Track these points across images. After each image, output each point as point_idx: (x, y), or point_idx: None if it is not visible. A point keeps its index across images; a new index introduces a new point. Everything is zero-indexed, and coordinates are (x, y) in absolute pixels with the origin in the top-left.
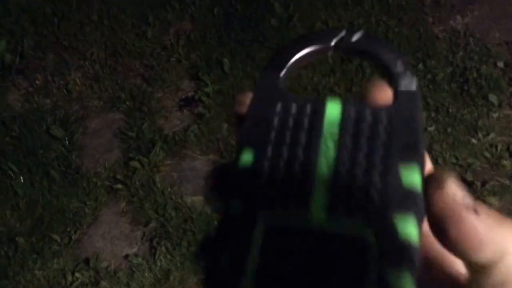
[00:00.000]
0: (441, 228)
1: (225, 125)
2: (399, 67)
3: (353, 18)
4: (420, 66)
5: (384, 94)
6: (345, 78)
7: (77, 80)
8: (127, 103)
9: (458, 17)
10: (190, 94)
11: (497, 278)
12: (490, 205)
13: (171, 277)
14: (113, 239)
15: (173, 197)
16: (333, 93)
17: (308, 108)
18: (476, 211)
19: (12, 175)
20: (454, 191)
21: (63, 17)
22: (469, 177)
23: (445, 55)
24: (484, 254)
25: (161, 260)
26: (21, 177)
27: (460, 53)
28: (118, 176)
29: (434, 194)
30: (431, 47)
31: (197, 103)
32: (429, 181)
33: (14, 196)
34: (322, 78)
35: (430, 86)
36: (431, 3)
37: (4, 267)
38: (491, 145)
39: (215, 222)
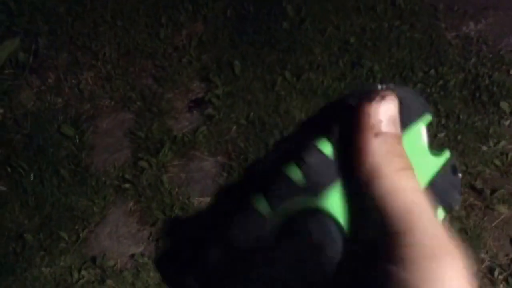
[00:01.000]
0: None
1: (234, 127)
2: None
3: (365, 23)
4: (432, 72)
5: None
6: (356, 83)
7: (89, 80)
8: (138, 103)
9: (471, 24)
10: (200, 96)
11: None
12: (499, 213)
13: None
14: (120, 238)
15: (180, 198)
16: None
17: None
18: (377, 135)
19: (22, 172)
20: (374, 111)
21: (77, 17)
22: (479, 184)
23: (457, 62)
24: (362, 171)
25: None
26: (31, 175)
27: (473, 60)
28: (127, 176)
29: (360, 105)
30: (443, 53)
31: (207, 105)
32: (368, 94)
33: (24, 193)
34: (332, 82)
35: (441, 93)
36: (444, 9)
37: (11, 264)
38: (501, 153)
39: None
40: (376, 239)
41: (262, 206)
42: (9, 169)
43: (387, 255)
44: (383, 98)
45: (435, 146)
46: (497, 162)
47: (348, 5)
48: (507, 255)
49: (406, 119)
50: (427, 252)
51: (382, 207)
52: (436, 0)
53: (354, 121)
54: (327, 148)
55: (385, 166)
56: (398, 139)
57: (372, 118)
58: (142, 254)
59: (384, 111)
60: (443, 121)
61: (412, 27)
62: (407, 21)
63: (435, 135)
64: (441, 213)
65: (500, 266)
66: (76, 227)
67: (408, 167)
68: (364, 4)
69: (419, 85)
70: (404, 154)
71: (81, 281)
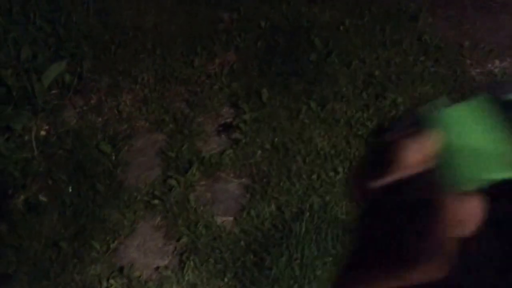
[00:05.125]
0: None
1: (259, 152)
2: None
3: (390, 57)
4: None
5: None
6: (379, 114)
7: (128, 102)
8: (171, 125)
9: (496, 61)
10: (228, 120)
11: None
12: None
13: None
14: (146, 251)
15: (205, 216)
16: (365, 128)
17: None
18: None
19: (62, 184)
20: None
21: (120, 45)
22: None
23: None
24: None
25: (189, 275)
26: (70, 187)
27: None
28: (156, 193)
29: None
30: (467, 88)
31: (234, 129)
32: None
33: (62, 204)
34: (355, 113)
35: None
36: (470, 46)
37: (46, 269)
38: None
39: (242, 243)
40: None
41: None
42: (50, 182)
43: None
44: None
45: None
46: None
47: (375, 39)
48: None
49: None
50: None
51: None
52: (462, 37)
53: None
54: None
55: None
56: None
57: None
58: (166, 267)
59: None
60: None
61: (437, 62)
62: (432, 56)
63: None
64: None
65: None
66: (108, 238)
67: None
68: (390, 39)
69: None
70: None
71: None
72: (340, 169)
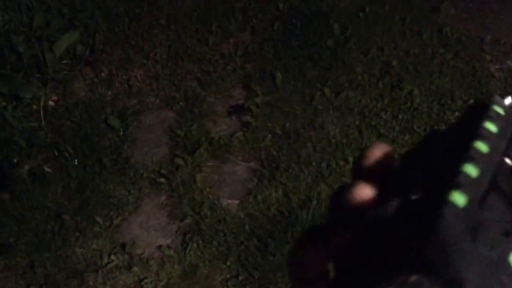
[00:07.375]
0: None
1: (269, 136)
2: None
3: (409, 47)
4: (471, 102)
5: None
6: (393, 105)
7: (139, 77)
8: (181, 103)
9: None
10: (240, 102)
11: None
12: None
13: (198, 273)
14: (150, 228)
15: (210, 198)
16: (379, 118)
17: None
18: None
19: (68, 157)
20: None
21: (134, 18)
22: None
23: (498, 94)
24: None
25: (191, 255)
26: (76, 160)
27: None
28: (163, 171)
29: None
30: (485, 84)
31: (245, 111)
32: None
33: (67, 176)
34: (370, 102)
35: None
36: (491, 41)
37: (48, 241)
38: None
39: (246, 227)
40: None
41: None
42: (56, 153)
43: None
44: None
45: None
46: None
47: (394, 29)
48: None
49: None
50: None
51: None
52: (484, 31)
53: None
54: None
55: None
56: None
57: None
58: (168, 247)
59: None
60: None
61: (456, 55)
62: (452, 49)
63: None
64: None
65: None
66: (111, 213)
67: None
68: (410, 29)
69: (457, 113)
70: None
71: (109, 265)
72: (350, 159)
